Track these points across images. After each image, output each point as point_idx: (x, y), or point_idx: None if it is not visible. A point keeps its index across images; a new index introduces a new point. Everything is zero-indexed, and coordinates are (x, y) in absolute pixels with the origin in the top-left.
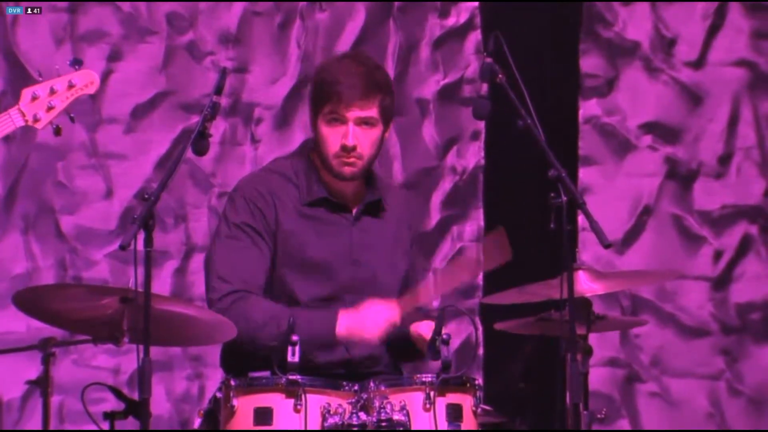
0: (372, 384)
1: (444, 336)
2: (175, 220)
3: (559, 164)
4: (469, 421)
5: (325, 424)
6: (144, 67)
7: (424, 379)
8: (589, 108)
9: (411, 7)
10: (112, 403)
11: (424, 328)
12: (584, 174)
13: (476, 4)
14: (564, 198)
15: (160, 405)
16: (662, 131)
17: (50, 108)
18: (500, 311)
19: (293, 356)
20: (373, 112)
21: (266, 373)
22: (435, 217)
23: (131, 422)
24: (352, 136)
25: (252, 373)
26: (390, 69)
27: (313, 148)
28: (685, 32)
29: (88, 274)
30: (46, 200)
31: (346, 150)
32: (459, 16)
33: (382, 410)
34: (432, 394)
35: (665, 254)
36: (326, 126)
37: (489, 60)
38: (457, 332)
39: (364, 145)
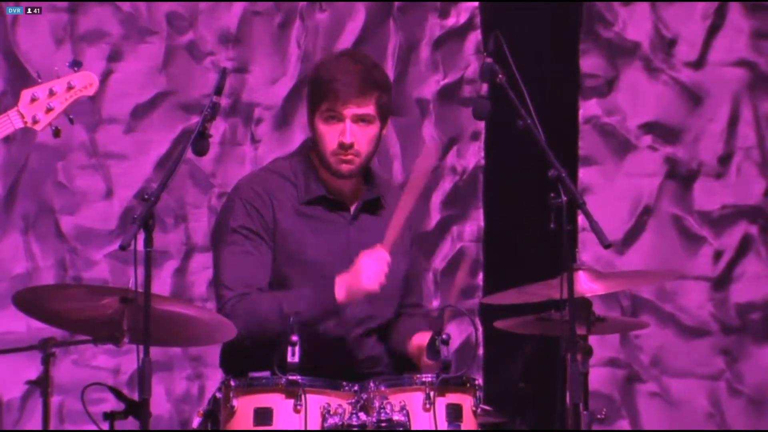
0: (372, 384)
1: (444, 336)
2: (175, 220)
3: (559, 164)
4: (469, 422)
5: (325, 425)
6: (144, 67)
7: (424, 380)
8: (589, 108)
9: (411, 7)
10: (112, 404)
11: (421, 341)
12: (584, 174)
13: (476, 4)
14: (564, 198)
15: (160, 405)
16: (662, 131)
17: (49, 110)
18: (500, 311)
19: (293, 356)
20: (370, 109)
21: (266, 374)
22: (435, 217)
23: (131, 422)
24: (350, 133)
25: (252, 374)
26: (390, 69)
27: (311, 147)
28: (685, 32)
29: (88, 274)
30: (46, 200)
31: (344, 147)
32: (459, 16)
33: (381, 410)
34: (432, 394)
35: (665, 254)
36: (323, 124)
37: (489, 60)
38: (457, 332)
39: (362, 142)
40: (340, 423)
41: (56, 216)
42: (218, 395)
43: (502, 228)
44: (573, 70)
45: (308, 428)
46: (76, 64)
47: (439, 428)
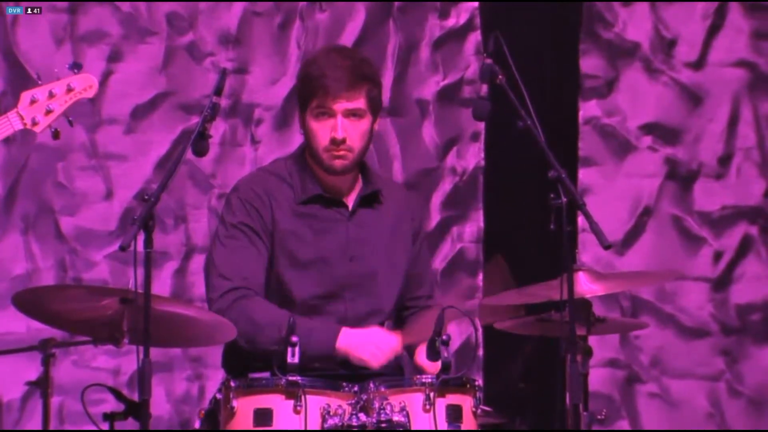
0: (372, 385)
1: (444, 337)
2: (175, 221)
3: (558, 165)
4: (468, 422)
5: (325, 425)
6: (144, 68)
7: (423, 380)
8: (589, 109)
9: (411, 7)
10: (111, 404)
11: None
12: (584, 175)
13: (476, 4)
14: (564, 199)
15: (160, 406)
16: (662, 132)
17: (49, 111)
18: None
19: (293, 357)
20: (360, 103)
21: (266, 374)
22: (435, 218)
23: (131, 423)
24: (341, 128)
25: (252, 374)
26: (390, 69)
27: (306, 146)
28: (685, 33)
29: (88, 275)
30: (46, 201)
31: (336, 143)
32: (459, 16)
33: (381, 411)
34: (432, 395)
35: (665, 255)
36: (314, 120)
37: (489, 61)
38: (457, 333)
39: (354, 137)
40: (340, 424)
41: (56, 217)
42: (218, 396)
43: (502, 229)
44: (573, 71)
45: (308, 429)
46: (76, 66)
47: (439, 429)
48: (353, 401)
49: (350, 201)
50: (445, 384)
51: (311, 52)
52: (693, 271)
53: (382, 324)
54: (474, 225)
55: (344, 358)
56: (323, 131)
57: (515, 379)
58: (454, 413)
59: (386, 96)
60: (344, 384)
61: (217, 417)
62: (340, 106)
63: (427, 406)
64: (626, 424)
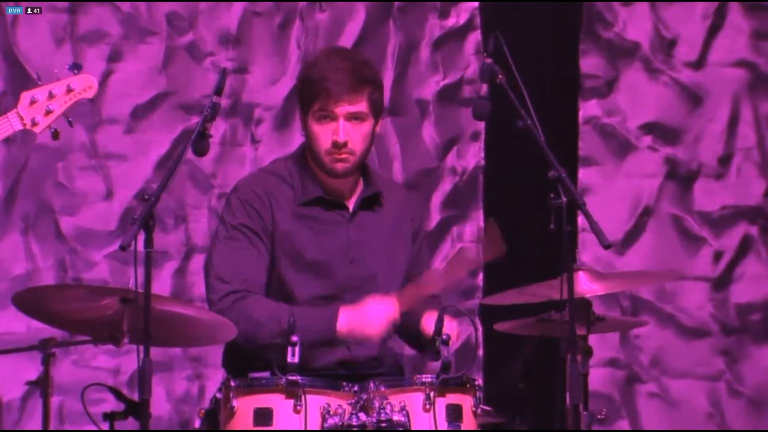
0: (372, 384)
1: (444, 336)
2: (175, 220)
3: (558, 165)
4: (468, 422)
5: (325, 425)
6: (144, 68)
7: (423, 380)
8: (589, 108)
9: (411, 7)
10: (112, 404)
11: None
12: (584, 174)
13: (476, 4)
14: (564, 198)
15: (160, 406)
16: (662, 132)
17: (48, 112)
18: (500, 312)
19: (293, 357)
20: (362, 106)
21: (266, 374)
22: (435, 217)
23: (131, 423)
24: (343, 132)
25: (252, 374)
26: (390, 69)
27: (307, 147)
28: (685, 32)
29: (88, 275)
30: (46, 201)
31: (338, 146)
32: (459, 16)
33: (381, 411)
34: (432, 394)
35: (665, 255)
36: (316, 123)
37: (489, 60)
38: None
39: (356, 140)
40: (340, 423)
41: (56, 216)
42: (218, 395)
43: (502, 228)
44: (573, 71)
45: (308, 428)
46: (76, 67)
47: (439, 428)
48: (353, 401)
49: (351, 203)
50: (445, 384)
51: (311, 52)
52: (693, 271)
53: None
54: (474, 225)
55: (346, 341)
56: (325, 134)
57: (515, 378)
58: (454, 413)
59: (386, 96)
60: (344, 383)
61: (217, 416)
62: (342, 109)
63: (427, 406)
64: (626, 424)
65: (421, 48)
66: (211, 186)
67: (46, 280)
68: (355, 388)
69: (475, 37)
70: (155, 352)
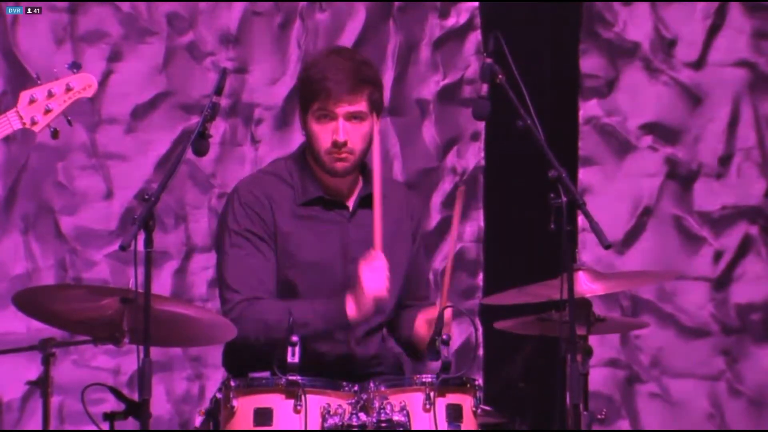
0: (372, 384)
1: (444, 336)
2: (175, 220)
3: (558, 165)
4: (468, 422)
5: (325, 425)
6: (144, 68)
7: (423, 380)
8: (589, 108)
9: (411, 7)
10: (112, 404)
11: (424, 327)
12: (584, 174)
13: (476, 4)
14: (564, 198)
15: (160, 406)
16: (662, 132)
17: (48, 111)
18: (500, 312)
19: (293, 357)
20: (362, 106)
21: (266, 374)
22: (435, 217)
23: (131, 423)
24: (343, 131)
25: (252, 374)
26: (390, 69)
27: (307, 147)
28: (685, 32)
29: (88, 275)
30: (46, 201)
31: (338, 146)
32: (459, 16)
33: (381, 411)
34: (432, 394)
35: (665, 255)
36: (316, 123)
37: (489, 60)
38: (457, 332)
39: (355, 140)
40: (340, 423)
41: (56, 216)
42: (218, 395)
43: (502, 228)
44: (573, 71)
45: (308, 428)
46: (75, 66)
47: (439, 428)
48: (353, 401)
49: (351, 202)
50: (445, 383)
51: (311, 52)
52: (693, 270)
53: (381, 326)
54: (474, 224)
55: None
56: (325, 134)
57: (515, 378)
58: (454, 413)
59: (386, 96)
60: (344, 383)
61: (217, 416)
62: (342, 109)
63: (427, 406)
64: (626, 424)
65: (421, 48)
66: (211, 186)
67: (46, 280)
68: (355, 388)
69: (475, 37)
70: (155, 352)
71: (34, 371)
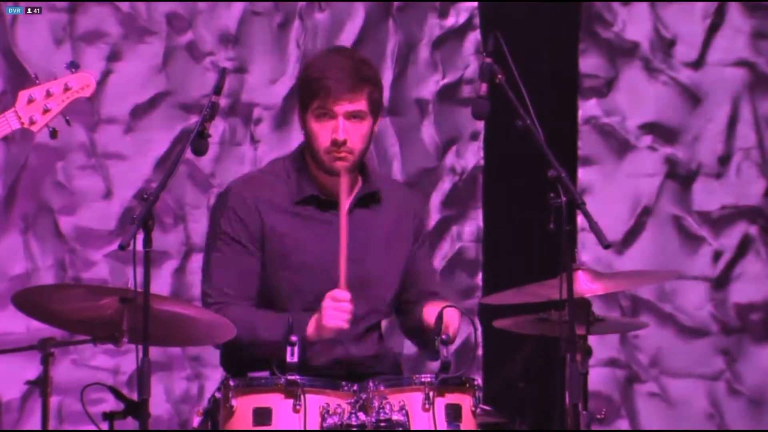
0: (371, 384)
1: (444, 336)
2: (174, 220)
3: (558, 164)
4: (468, 422)
5: (324, 425)
6: (143, 67)
7: (423, 380)
8: (588, 108)
9: (410, 7)
10: (111, 404)
11: (432, 317)
12: (584, 174)
13: (476, 4)
14: (563, 198)
15: (159, 405)
16: (662, 131)
17: (46, 111)
18: (499, 311)
19: (292, 356)
20: (362, 105)
21: (265, 374)
22: (434, 217)
23: (130, 423)
24: (342, 130)
25: (251, 373)
26: (389, 69)
27: (305, 146)
28: (685, 32)
29: (88, 275)
30: (45, 200)
31: (337, 145)
32: (458, 16)
33: (381, 410)
34: (431, 394)
35: (665, 254)
36: (315, 121)
37: (488, 60)
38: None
39: (355, 139)
40: (339, 423)
41: (55, 216)
42: (217, 395)
43: (502, 228)
44: (572, 70)
45: (307, 428)
46: (74, 66)
47: (438, 428)
48: (352, 400)
49: (348, 201)
50: (444, 383)
51: (311, 52)
52: (692, 270)
53: (379, 324)
54: (473, 224)
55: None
56: (324, 133)
57: (515, 378)
58: (454, 413)
59: (386, 95)
60: (343, 383)
61: (216, 416)
62: (342, 108)
63: (427, 406)
64: (626, 423)
65: (421, 48)
66: (210, 185)
67: (45, 280)
68: (355, 388)
69: (474, 37)
70: (154, 352)
71: (33, 371)
